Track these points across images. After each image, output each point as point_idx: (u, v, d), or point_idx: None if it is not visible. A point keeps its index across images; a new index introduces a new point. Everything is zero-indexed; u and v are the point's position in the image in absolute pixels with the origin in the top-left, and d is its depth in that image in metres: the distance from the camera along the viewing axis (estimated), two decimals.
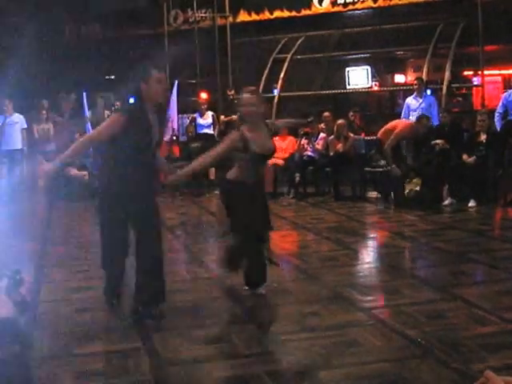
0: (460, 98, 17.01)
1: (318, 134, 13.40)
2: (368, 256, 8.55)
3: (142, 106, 5.69)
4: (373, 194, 12.60)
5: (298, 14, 17.24)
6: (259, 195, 6.24)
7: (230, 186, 6.17)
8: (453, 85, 15.05)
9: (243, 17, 17.87)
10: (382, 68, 17.84)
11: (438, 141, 11.71)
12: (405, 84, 17.08)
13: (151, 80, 5.67)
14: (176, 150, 14.82)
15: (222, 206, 6.38)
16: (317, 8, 16.96)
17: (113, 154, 5.70)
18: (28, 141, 15.09)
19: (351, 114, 14.63)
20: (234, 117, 14.33)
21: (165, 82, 6.07)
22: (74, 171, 14.26)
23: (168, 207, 11.84)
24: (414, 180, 11.81)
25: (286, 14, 17.41)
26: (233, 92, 15.32)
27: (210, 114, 14.93)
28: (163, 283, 5.79)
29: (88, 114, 15.11)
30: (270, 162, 13.12)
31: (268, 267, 6.30)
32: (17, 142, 14.17)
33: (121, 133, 5.54)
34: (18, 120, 14.19)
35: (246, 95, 6.24)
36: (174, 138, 14.93)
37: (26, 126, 14.32)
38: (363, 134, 14.32)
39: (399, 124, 12.06)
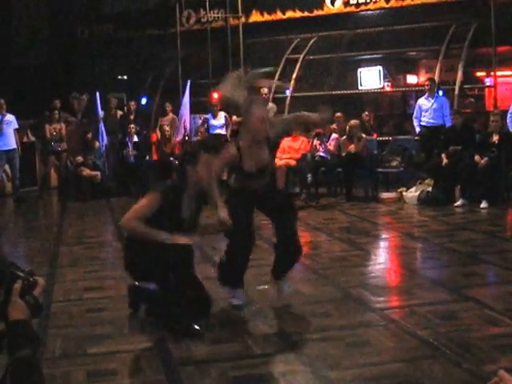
0: (472, 99, 16.96)
1: (330, 134, 13.38)
2: (380, 257, 8.56)
3: None
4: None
5: (310, 15, 17.22)
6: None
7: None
8: (465, 85, 15.01)
9: (255, 17, 17.86)
10: (394, 69, 17.80)
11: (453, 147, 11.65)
12: (417, 85, 17.04)
13: None
14: None
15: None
16: (329, 8, 16.94)
17: None
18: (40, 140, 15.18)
19: (365, 114, 14.64)
20: None
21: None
22: (86, 171, 14.31)
23: None
24: (426, 181, 11.80)
25: (298, 14, 17.40)
26: None
27: (222, 114, 14.89)
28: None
29: (101, 113, 15.15)
30: (282, 162, 13.22)
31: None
32: (13, 141, 13.99)
33: None
34: (12, 119, 14.02)
35: (260, 107, 5.91)
36: (187, 138, 14.99)
37: (17, 126, 14.14)
38: (375, 135, 14.32)
39: None
